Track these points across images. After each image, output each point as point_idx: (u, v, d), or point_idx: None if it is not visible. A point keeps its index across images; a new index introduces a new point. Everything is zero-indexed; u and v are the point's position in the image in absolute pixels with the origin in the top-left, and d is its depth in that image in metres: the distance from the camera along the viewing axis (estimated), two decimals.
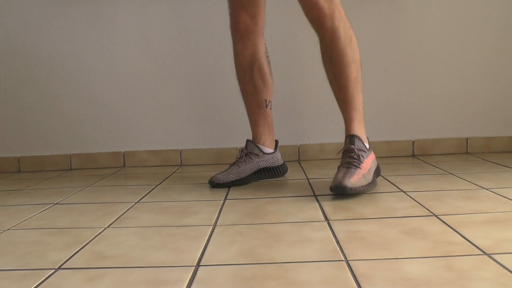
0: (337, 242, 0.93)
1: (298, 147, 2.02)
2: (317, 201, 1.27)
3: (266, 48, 1.58)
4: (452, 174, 1.56)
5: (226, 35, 1.99)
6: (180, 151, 2.05)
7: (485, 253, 0.83)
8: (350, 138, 1.34)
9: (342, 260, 0.83)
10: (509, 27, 1.97)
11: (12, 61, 2.03)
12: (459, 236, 0.93)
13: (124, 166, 2.06)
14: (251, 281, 0.76)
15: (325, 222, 1.07)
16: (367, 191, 1.31)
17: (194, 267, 0.83)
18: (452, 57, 1.99)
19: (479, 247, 0.87)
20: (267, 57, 1.58)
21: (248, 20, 1.50)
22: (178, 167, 1.99)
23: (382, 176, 1.56)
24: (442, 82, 2.00)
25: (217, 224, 1.09)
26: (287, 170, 1.66)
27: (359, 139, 1.35)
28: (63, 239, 1.03)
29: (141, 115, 2.04)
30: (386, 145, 2.01)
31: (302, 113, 2.01)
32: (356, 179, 1.28)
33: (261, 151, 1.58)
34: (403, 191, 1.35)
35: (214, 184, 1.50)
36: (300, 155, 2.03)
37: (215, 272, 0.80)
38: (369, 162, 1.36)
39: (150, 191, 1.50)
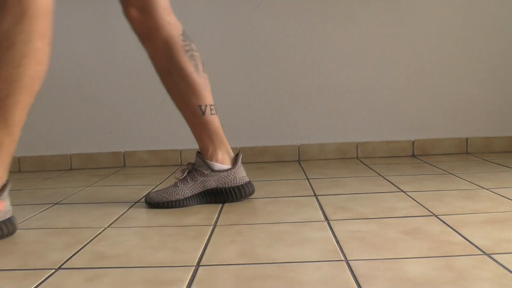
0: (337, 242, 0.93)
1: (298, 147, 2.02)
2: (317, 201, 1.27)
3: (185, 38, 1.26)
4: (452, 174, 1.56)
5: (225, 36, 1.99)
6: (180, 151, 2.05)
7: (485, 253, 0.83)
8: None
9: (342, 260, 0.83)
10: (509, 27, 1.97)
11: None
12: (459, 236, 0.93)
13: (124, 166, 2.06)
14: (251, 281, 0.76)
15: (325, 222, 1.07)
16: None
17: (194, 267, 0.83)
18: (452, 57, 1.99)
19: (479, 247, 0.87)
20: (187, 51, 1.26)
21: (139, 16, 1.23)
22: (178, 167, 1.99)
23: (382, 176, 1.56)
24: (442, 82, 2.00)
25: (217, 224, 1.09)
26: (251, 192, 1.30)
27: None
28: (63, 239, 1.03)
29: (141, 115, 2.04)
30: (386, 145, 2.01)
31: (302, 113, 2.01)
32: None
33: (210, 168, 1.27)
34: (403, 191, 1.35)
35: (146, 203, 1.29)
36: (300, 155, 2.03)
37: (215, 272, 0.80)
38: None
39: (150, 191, 1.50)
